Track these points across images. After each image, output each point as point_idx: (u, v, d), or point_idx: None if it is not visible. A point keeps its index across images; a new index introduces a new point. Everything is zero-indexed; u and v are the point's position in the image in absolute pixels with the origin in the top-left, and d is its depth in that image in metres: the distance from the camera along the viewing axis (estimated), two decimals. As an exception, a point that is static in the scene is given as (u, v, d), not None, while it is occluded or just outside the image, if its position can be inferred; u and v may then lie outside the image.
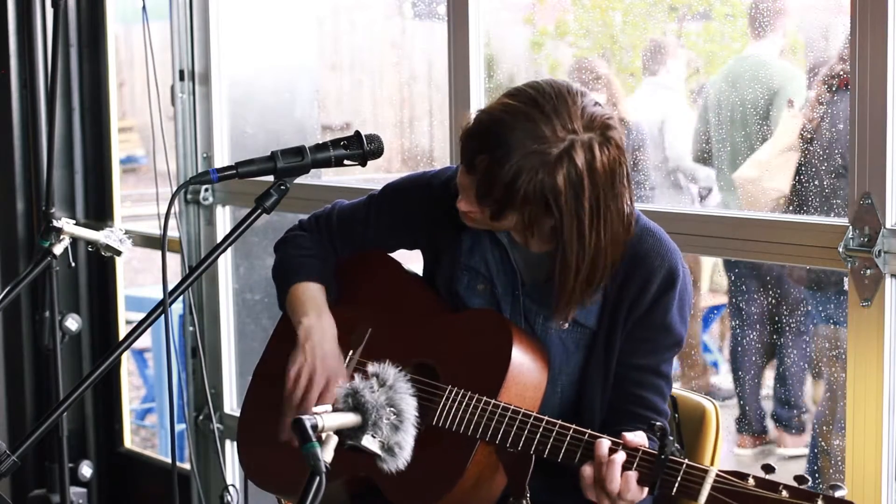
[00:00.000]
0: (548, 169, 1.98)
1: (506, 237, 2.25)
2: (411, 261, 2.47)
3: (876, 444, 2.37)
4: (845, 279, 2.43)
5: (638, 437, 1.97)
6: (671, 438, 1.89)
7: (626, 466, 1.94)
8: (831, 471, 3.73)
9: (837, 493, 1.76)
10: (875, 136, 2.33)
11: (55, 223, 2.91)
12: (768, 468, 1.83)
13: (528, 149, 1.98)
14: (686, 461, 1.89)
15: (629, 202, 2.08)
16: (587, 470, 1.98)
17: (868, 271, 2.36)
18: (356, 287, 2.43)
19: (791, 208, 4.31)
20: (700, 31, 5.58)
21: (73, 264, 3.10)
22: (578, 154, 1.98)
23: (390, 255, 2.46)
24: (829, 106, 4.07)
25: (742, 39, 5.16)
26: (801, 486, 1.79)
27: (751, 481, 1.81)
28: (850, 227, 2.38)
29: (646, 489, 1.93)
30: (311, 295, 2.39)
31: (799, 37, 4.98)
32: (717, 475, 1.84)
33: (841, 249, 2.40)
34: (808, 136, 4.18)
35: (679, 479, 1.87)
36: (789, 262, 3.88)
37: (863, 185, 2.36)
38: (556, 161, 1.98)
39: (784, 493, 1.79)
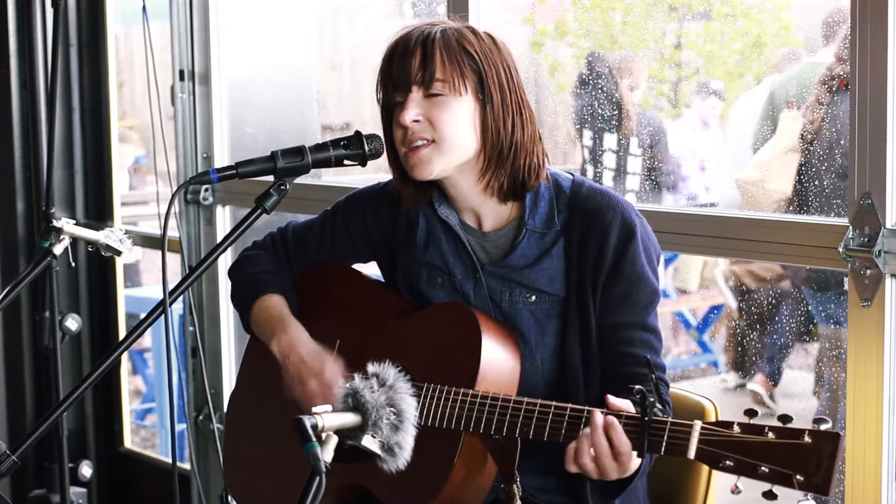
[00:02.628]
0: (462, 31, 2.22)
1: (457, 222, 2.28)
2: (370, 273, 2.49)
3: (876, 444, 2.37)
4: (845, 279, 2.43)
5: (622, 402, 1.96)
6: (652, 400, 1.88)
7: None
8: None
9: (823, 427, 1.76)
10: (875, 136, 2.33)
11: (55, 223, 2.91)
12: (751, 413, 1.83)
13: (441, 27, 2.22)
14: (670, 419, 1.88)
15: (532, 109, 2.26)
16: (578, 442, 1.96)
17: (868, 271, 2.36)
18: (319, 300, 2.43)
19: (791, 208, 4.32)
20: (700, 31, 5.58)
21: (73, 264, 3.10)
22: (479, 30, 2.25)
23: (349, 265, 2.48)
24: (830, 107, 4.07)
25: (742, 39, 5.16)
26: (786, 426, 1.78)
27: (736, 428, 1.82)
28: (851, 227, 2.38)
29: (635, 453, 1.92)
30: (275, 310, 2.40)
31: (798, 36, 4.99)
32: (703, 427, 1.84)
33: (841, 249, 2.40)
34: (809, 136, 4.18)
35: (665, 438, 1.87)
36: (789, 262, 3.88)
37: (863, 185, 2.36)
38: (466, 29, 2.23)
39: (770, 434, 1.79)
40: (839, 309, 4.26)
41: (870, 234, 2.36)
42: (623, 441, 1.92)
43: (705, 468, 2.31)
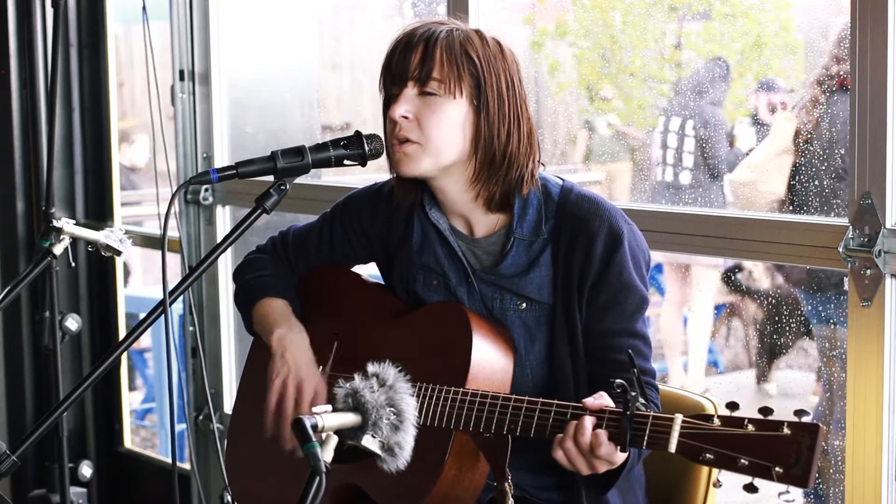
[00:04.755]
0: (468, 34, 2.20)
1: (447, 227, 2.28)
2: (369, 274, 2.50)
3: (876, 444, 2.37)
4: (845, 279, 2.43)
5: (600, 400, 1.96)
6: (634, 394, 1.88)
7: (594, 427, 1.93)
8: (831, 471, 3.73)
9: (804, 419, 1.76)
10: (875, 136, 2.33)
11: (55, 223, 2.90)
12: (733, 406, 1.83)
13: (449, 27, 2.21)
14: (651, 413, 1.88)
15: (532, 122, 2.24)
16: (559, 441, 1.97)
17: (868, 271, 2.36)
18: (318, 302, 2.44)
19: (791, 209, 4.32)
20: (700, 31, 5.58)
21: (73, 264, 3.10)
22: (486, 35, 2.22)
23: (348, 268, 2.49)
24: (829, 106, 4.07)
25: (742, 39, 5.16)
26: (766, 418, 1.78)
27: (716, 421, 1.81)
28: (850, 227, 2.38)
29: (618, 448, 1.92)
30: (278, 309, 2.42)
31: (798, 36, 4.99)
32: (683, 421, 1.84)
33: (841, 249, 2.40)
34: (806, 136, 4.18)
35: (647, 432, 1.87)
36: (789, 262, 3.88)
37: (863, 185, 2.36)
38: (473, 33, 2.21)
39: (750, 426, 1.78)
40: (838, 309, 4.26)
41: (870, 234, 2.36)
42: (605, 452, 1.92)
43: (705, 468, 2.31)
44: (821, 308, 4.45)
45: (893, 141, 2.33)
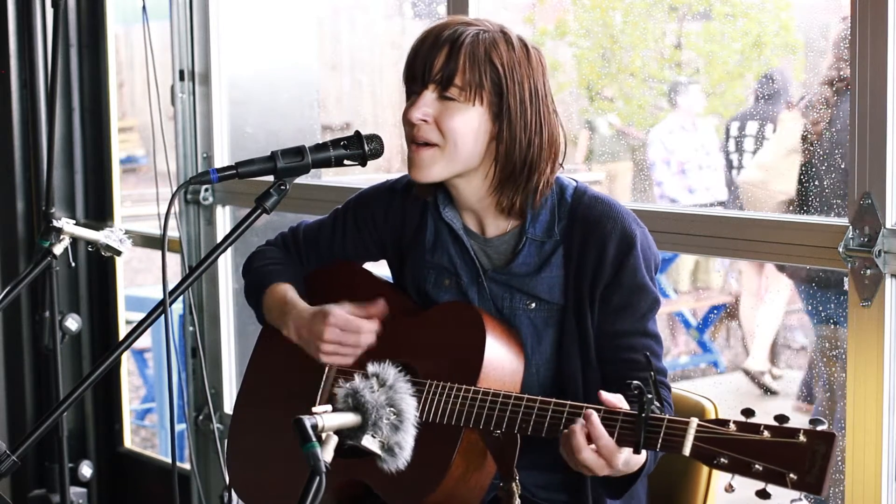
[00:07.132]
0: (494, 38, 2.16)
1: (461, 227, 2.28)
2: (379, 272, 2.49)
3: (876, 444, 2.37)
4: (845, 279, 2.43)
5: (615, 399, 1.96)
6: (650, 396, 1.88)
7: (607, 428, 1.93)
8: (831, 471, 3.73)
9: (819, 427, 1.76)
10: (875, 136, 2.33)
11: (55, 223, 2.91)
12: (748, 412, 1.83)
13: (476, 29, 2.17)
14: (666, 416, 1.88)
15: (560, 125, 2.24)
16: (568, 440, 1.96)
17: (868, 271, 2.36)
18: (327, 298, 2.43)
19: (791, 208, 4.32)
20: (700, 31, 5.59)
21: (73, 264, 3.10)
22: (513, 37, 2.18)
23: (359, 265, 2.48)
24: (832, 107, 4.08)
25: (742, 39, 5.17)
26: (782, 425, 1.79)
27: (732, 426, 1.82)
28: (850, 227, 2.38)
29: (630, 449, 1.92)
30: (286, 295, 2.40)
31: (798, 36, 4.99)
32: (699, 425, 1.84)
33: (841, 249, 2.40)
34: (812, 137, 4.19)
35: (662, 434, 1.87)
36: (790, 262, 3.89)
37: (863, 185, 2.36)
38: (500, 36, 2.17)
39: (766, 433, 1.79)
40: (838, 309, 4.26)
41: (870, 234, 2.36)
42: (605, 443, 1.92)
43: (705, 468, 2.31)
44: (821, 308, 4.45)
45: (893, 141, 2.33)
